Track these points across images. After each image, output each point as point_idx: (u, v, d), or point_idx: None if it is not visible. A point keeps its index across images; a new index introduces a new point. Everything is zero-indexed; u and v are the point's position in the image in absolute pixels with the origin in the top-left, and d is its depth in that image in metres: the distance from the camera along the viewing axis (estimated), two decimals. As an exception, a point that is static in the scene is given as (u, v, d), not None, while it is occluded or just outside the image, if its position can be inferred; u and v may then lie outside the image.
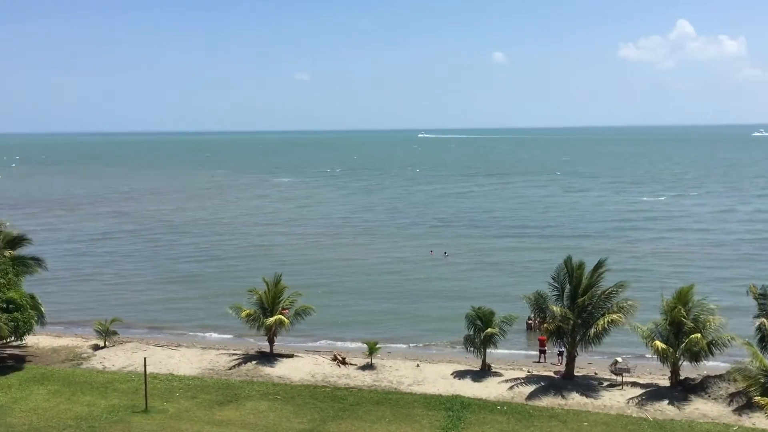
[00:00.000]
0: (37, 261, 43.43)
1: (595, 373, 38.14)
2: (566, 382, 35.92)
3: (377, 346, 40.12)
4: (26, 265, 42.45)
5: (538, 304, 37.26)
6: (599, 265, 36.57)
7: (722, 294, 50.45)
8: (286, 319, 40.21)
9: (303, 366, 39.13)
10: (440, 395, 34.48)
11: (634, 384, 35.55)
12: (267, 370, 38.38)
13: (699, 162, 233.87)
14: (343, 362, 39.74)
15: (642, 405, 32.90)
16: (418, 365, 39.38)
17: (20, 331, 38.28)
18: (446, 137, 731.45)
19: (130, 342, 44.52)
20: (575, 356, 37.01)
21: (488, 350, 38.50)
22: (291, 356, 40.86)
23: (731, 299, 46.75)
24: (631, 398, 33.67)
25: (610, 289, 36.09)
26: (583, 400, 33.71)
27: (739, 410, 31.77)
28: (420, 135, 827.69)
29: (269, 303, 40.89)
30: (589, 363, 40.10)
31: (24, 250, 44.12)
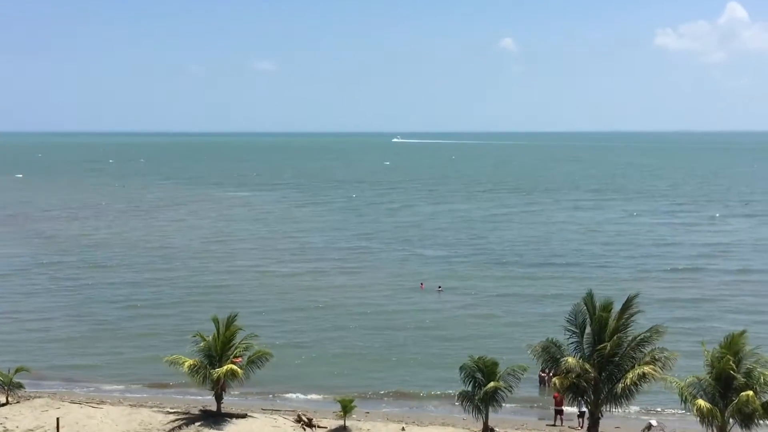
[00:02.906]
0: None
1: (624, 440, 38.30)
2: (588, 450, 36.00)
3: (353, 404, 40.19)
4: None
5: (550, 354, 37.21)
6: (628, 304, 36.54)
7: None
8: (238, 369, 40.15)
9: (258, 429, 39.27)
10: (430, 467, 34.53)
11: (673, 453, 35.76)
12: (213, 434, 38.26)
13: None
14: (309, 425, 39.89)
15: (682, 480, 33.03)
16: (403, 429, 39.61)
17: None
18: (433, 142, 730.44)
19: (39, 398, 44.46)
20: (599, 418, 37.01)
21: (491, 409, 38.57)
22: (244, 416, 40.97)
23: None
24: (669, 471, 33.85)
25: (642, 335, 36.19)
26: (609, 473, 33.83)
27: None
28: (394, 140, 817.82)
29: (218, 350, 40.76)
30: (616, 427, 40.34)
31: None
